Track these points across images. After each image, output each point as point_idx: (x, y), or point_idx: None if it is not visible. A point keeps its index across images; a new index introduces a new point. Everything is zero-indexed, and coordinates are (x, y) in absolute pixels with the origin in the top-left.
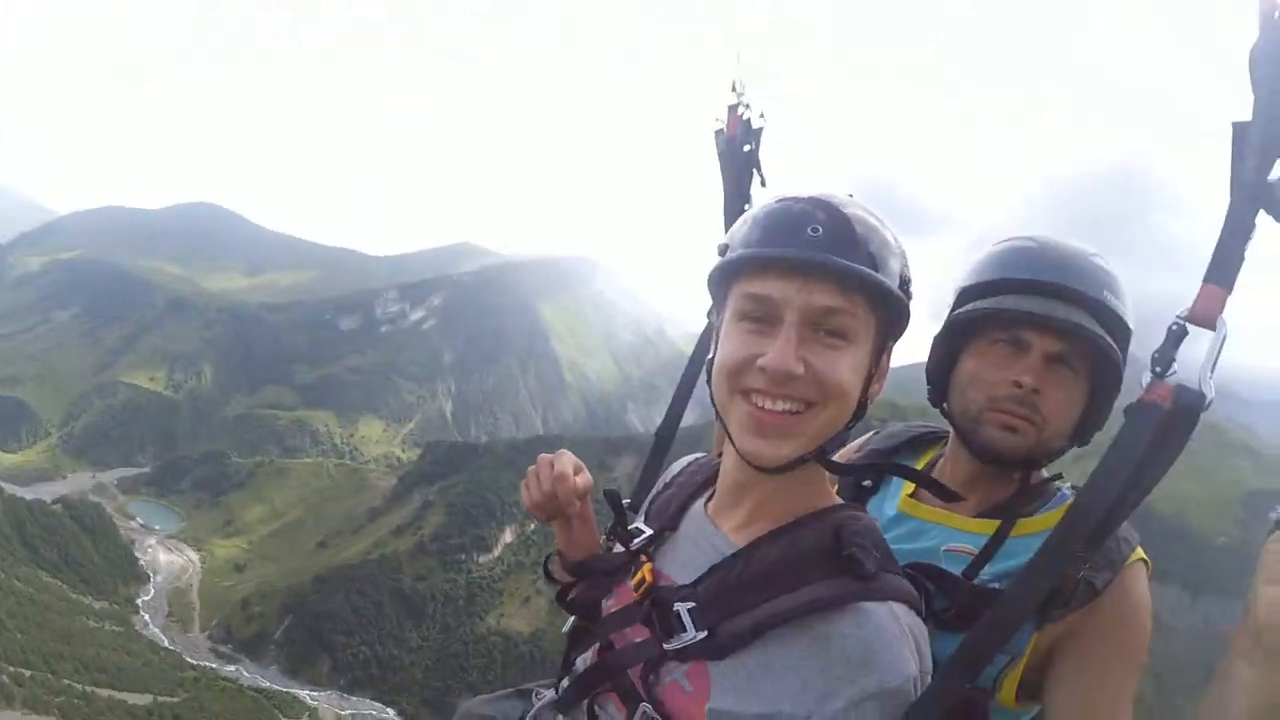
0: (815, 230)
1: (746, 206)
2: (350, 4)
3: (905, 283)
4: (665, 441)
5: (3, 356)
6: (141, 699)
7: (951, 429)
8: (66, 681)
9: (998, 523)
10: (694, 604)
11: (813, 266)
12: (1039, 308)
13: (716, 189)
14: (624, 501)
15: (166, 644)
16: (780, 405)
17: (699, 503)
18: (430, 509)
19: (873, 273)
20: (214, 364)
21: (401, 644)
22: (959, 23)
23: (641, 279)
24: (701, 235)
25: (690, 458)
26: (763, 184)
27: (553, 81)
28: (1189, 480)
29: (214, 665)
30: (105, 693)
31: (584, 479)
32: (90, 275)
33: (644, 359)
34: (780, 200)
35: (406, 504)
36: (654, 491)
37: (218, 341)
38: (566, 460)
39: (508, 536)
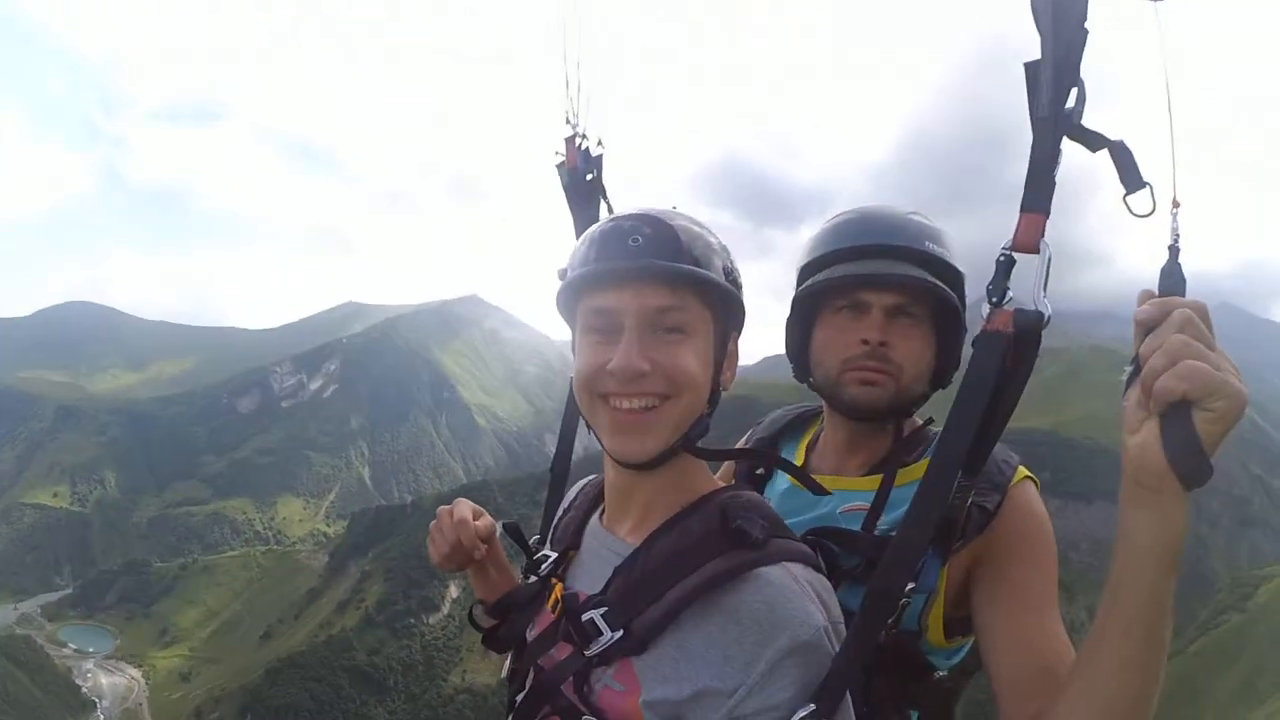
0: (636, 240)
1: None
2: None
3: (729, 274)
4: (561, 475)
5: None
6: None
7: (822, 400)
8: None
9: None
10: (606, 608)
11: (640, 272)
12: (869, 269)
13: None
14: (536, 537)
15: None
16: (635, 403)
17: (594, 518)
18: (369, 579)
19: (695, 268)
20: (116, 469)
21: None
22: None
23: (533, 310)
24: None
25: (583, 481)
26: (609, 210)
27: (395, 120)
28: (1094, 400)
29: None
30: None
31: (485, 522)
32: None
33: (552, 389)
34: (607, 220)
35: (344, 578)
36: (555, 519)
37: (116, 445)
38: (464, 506)
39: (454, 592)
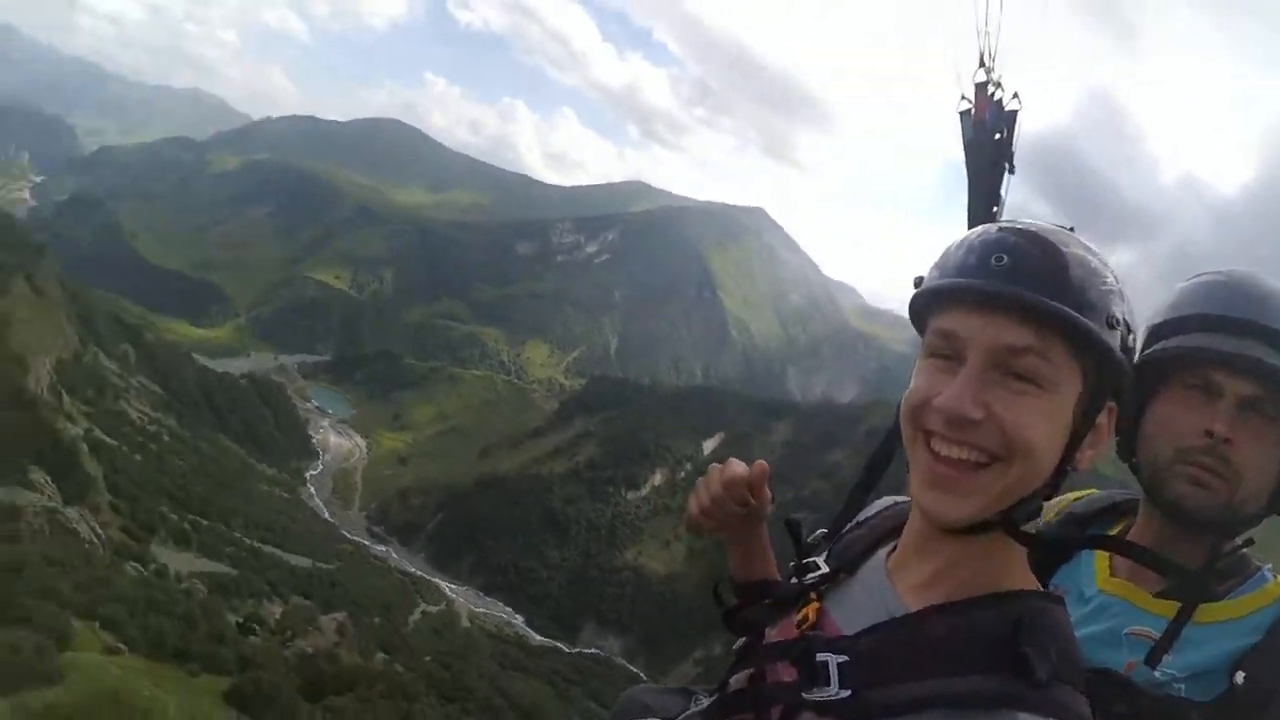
0: (1001, 260)
1: (996, 209)
2: None
3: (1119, 326)
4: (874, 474)
5: (200, 243)
6: (302, 561)
7: (1141, 488)
8: (237, 534)
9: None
10: (847, 658)
11: (1000, 300)
12: (1230, 346)
13: (959, 178)
14: (820, 532)
15: (327, 517)
16: (957, 452)
17: (883, 551)
18: (587, 438)
19: (1071, 312)
20: (396, 271)
21: (541, 559)
22: None
23: (818, 243)
24: (904, 221)
25: (889, 500)
26: (1011, 172)
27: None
28: None
29: (367, 543)
30: (269, 549)
31: (758, 471)
32: (283, 178)
33: (810, 324)
34: (990, 229)
35: (565, 429)
36: (845, 527)
37: (401, 251)
38: (737, 467)
39: (657, 479)
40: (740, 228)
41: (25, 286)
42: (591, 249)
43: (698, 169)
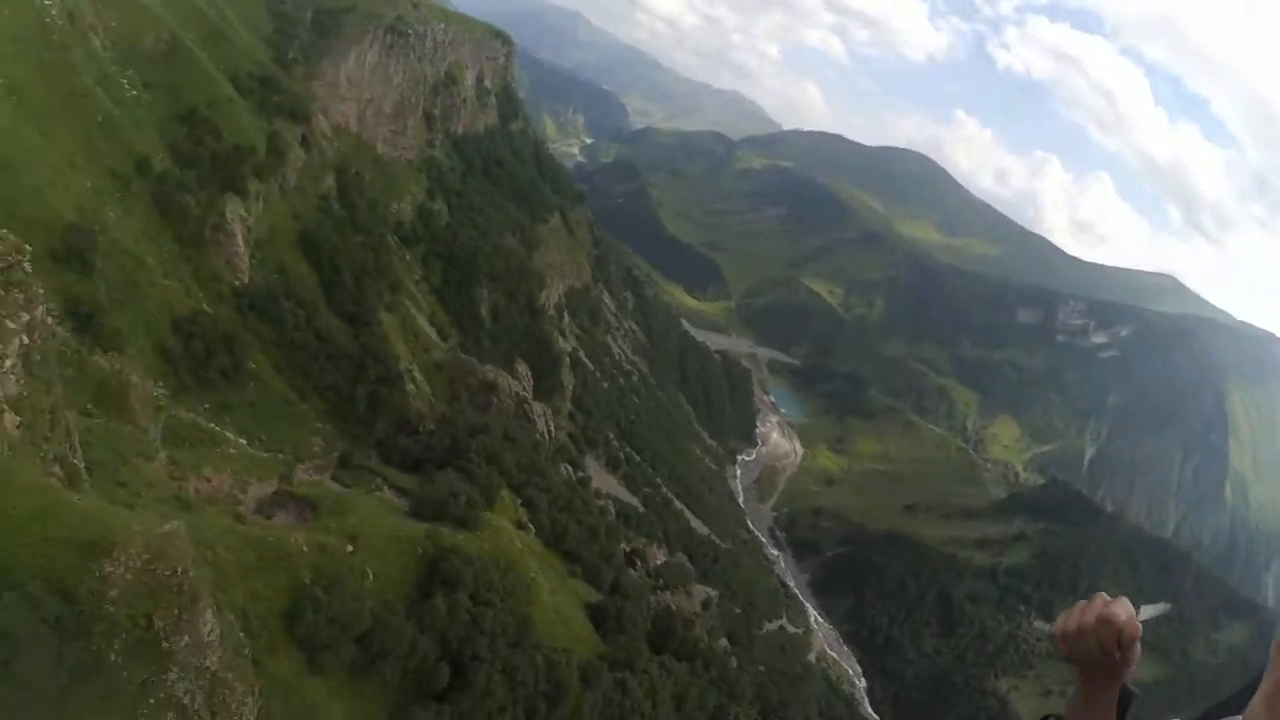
0: None
1: None
2: None
3: None
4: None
5: (714, 226)
6: (700, 528)
7: None
8: (658, 480)
9: None
10: None
11: None
12: None
13: None
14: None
15: (740, 502)
16: None
17: None
18: (1021, 543)
19: None
20: (887, 301)
21: (915, 639)
22: None
23: None
24: None
25: None
26: None
27: None
28: None
29: (764, 541)
30: (679, 506)
31: (1132, 629)
32: (801, 187)
33: None
34: None
35: (1002, 523)
36: None
37: (897, 282)
38: (1123, 606)
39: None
40: (1276, 365)
41: (560, 221)
42: (1099, 339)
43: (1240, 277)
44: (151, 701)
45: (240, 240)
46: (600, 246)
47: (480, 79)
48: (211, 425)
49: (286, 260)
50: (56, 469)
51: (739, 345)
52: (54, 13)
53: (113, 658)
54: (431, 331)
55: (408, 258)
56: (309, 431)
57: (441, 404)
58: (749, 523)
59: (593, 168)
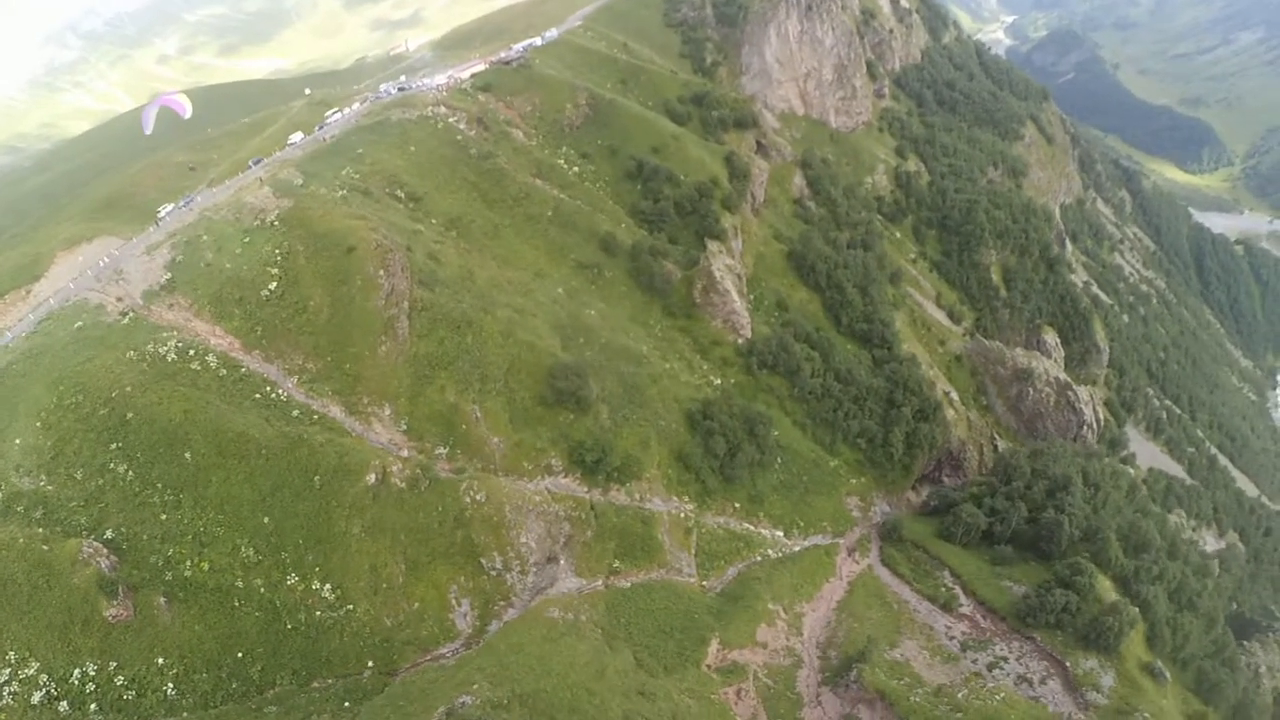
0: None
1: None
2: None
3: None
4: None
5: (1185, 75)
6: (1249, 488)
7: None
8: (1199, 433)
9: None
10: None
11: None
12: None
13: None
14: None
15: None
16: None
17: None
18: None
19: None
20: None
21: None
22: None
23: None
24: None
25: None
26: None
27: None
28: None
29: None
30: (1224, 462)
31: None
32: None
33: None
34: None
35: None
36: None
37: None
38: None
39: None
40: None
41: (1035, 131)
42: None
43: None
44: None
45: (734, 292)
46: (1079, 144)
47: (895, 1)
48: (746, 526)
49: (783, 290)
50: None
51: (1256, 224)
52: (460, 126)
53: None
54: (941, 316)
55: (897, 235)
56: (842, 492)
57: (972, 408)
58: None
59: (1027, 47)
